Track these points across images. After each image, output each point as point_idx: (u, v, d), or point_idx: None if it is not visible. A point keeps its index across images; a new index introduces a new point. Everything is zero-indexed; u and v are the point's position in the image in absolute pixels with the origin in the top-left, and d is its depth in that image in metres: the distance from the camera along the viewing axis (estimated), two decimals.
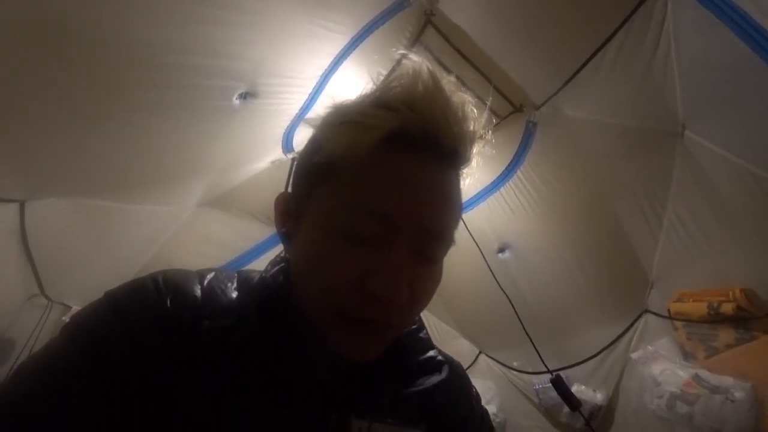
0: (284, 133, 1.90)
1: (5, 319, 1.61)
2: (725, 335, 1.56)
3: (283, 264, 0.45)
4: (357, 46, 1.57)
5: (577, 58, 1.57)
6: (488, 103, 0.49)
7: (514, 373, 2.33)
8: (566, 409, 1.90)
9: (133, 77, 1.18)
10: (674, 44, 1.36)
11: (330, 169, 0.38)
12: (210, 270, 0.45)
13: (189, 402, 0.35)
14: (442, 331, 2.59)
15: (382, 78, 0.45)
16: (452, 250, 0.41)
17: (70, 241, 1.68)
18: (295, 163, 0.55)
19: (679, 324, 1.72)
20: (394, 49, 1.52)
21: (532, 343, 1.80)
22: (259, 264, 0.47)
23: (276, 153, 2.04)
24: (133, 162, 1.53)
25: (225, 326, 0.39)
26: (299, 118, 1.80)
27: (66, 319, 0.37)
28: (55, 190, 1.50)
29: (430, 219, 0.37)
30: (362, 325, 0.37)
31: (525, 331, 1.81)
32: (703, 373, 1.54)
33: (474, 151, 0.42)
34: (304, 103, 1.71)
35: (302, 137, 1.95)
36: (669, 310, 1.77)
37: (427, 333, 0.52)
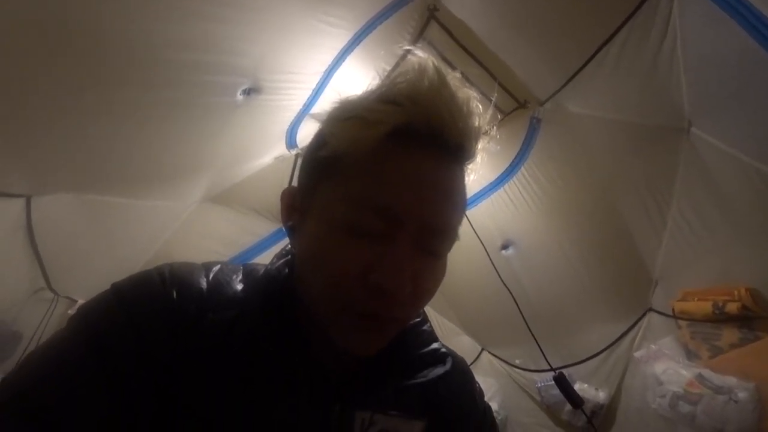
0: (288, 129, 1.90)
1: (12, 312, 1.63)
2: (729, 335, 1.55)
3: (288, 257, 0.46)
4: (360, 42, 1.57)
5: (581, 54, 1.56)
6: (493, 99, 0.49)
7: (517, 370, 2.33)
8: (568, 407, 1.90)
9: (134, 74, 1.18)
10: (680, 39, 1.35)
11: (335, 164, 0.38)
12: (216, 263, 0.45)
13: (194, 394, 0.35)
14: (445, 328, 2.60)
15: (386, 73, 0.44)
16: (456, 247, 0.41)
17: (75, 236, 1.69)
18: (301, 157, 0.55)
19: (683, 323, 1.71)
20: (398, 45, 1.51)
21: (536, 340, 1.79)
22: (263, 260, 0.47)
23: (280, 149, 2.05)
24: (136, 158, 1.53)
25: (229, 318, 0.39)
26: (303, 114, 1.80)
27: (72, 312, 0.37)
28: (60, 186, 1.51)
29: (434, 214, 0.37)
30: (366, 320, 0.37)
31: (528, 328, 1.80)
32: (707, 373, 1.53)
33: (479, 146, 0.41)
34: (308, 99, 1.71)
35: (306, 133, 1.95)
36: (673, 309, 1.76)
37: (430, 326, 0.52)
